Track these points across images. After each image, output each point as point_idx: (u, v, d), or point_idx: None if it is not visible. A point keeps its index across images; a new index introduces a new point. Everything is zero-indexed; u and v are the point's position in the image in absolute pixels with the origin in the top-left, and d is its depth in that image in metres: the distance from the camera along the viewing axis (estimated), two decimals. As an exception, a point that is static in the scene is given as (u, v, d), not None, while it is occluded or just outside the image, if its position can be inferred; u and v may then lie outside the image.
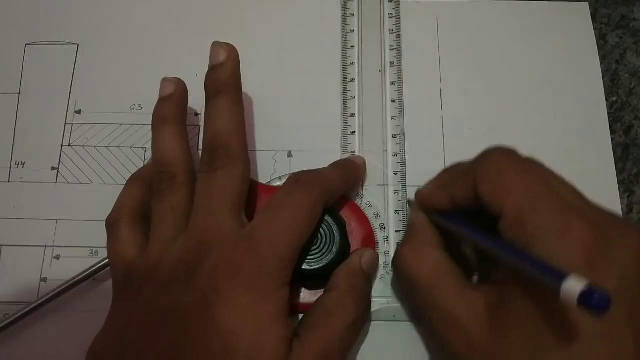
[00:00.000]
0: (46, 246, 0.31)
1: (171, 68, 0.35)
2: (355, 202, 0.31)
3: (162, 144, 0.28)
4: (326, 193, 0.27)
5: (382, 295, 0.30)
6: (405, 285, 0.27)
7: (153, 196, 0.28)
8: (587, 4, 0.36)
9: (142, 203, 0.28)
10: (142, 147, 0.33)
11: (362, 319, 0.27)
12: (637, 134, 0.34)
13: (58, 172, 0.33)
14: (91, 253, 0.31)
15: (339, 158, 0.32)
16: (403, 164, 0.32)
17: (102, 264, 0.29)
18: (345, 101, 0.34)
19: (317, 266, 0.27)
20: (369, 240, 0.30)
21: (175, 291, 0.24)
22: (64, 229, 0.31)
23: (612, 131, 0.34)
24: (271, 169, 0.32)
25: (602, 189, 0.32)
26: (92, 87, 0.34)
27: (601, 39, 0.36)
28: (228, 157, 0.26)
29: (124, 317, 0.25)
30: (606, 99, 0.34)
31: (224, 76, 0.28)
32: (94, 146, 0.33)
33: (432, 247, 0.26)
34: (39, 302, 0.28)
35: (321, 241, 0.28)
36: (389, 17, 0.36)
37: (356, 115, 0.34)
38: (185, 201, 0.27)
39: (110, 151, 0.33)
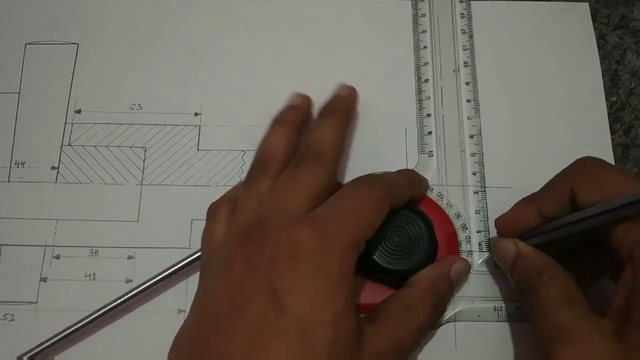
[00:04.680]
0: (46, 246, 0.31)
1: (171, 68, 0.35)
2: (437, 203, 0.31)
3: (269, 138, 0.30)
4: (391, 191, 0.27)
5: (467, 296, 0.30)
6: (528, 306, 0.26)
7: (243, 184, 0.28)
8: (587, 4, 0.36)
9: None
10: (142, 147, 0.33)
11: (434, 323, 0.28)
12: (637, 134, 0.34)
13: (58, 171, 0.33)
14: (91, 253, 0.31)
15: (416, 158, 0.33)
16: (481, 164, 0.32)
17: (189, 259, 0.29)
18: (420, 101, 0.34)
19: (406, 267, 0.28)
20: (453, 241, 0.30)
21: (240, 277, 0.23)
22: (64, 228, 0.31)
23: (612, 131, 0.33)
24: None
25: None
26: (92, 87, 0.34)
27: (601, 39, 0.36)
28: (315, 160, 0.27)
29: (199, 309, 0.25)
30: (606, 99, 0.34)
31: (340, 105, 0.31)
32: (94, 146, 0.33)
33: (553, 279, 0.25)
34: (121, 300, 0.28)
35: (409, 241, 0.28)
36: (461, 17, 0.36)
37: (432, 115, 0.34)
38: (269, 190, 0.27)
39: (110, 151, 0.33)
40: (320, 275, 0.23)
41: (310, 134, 0.29)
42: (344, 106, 0.31)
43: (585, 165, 0.26)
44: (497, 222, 0.29)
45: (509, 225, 0.28)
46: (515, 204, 0.28)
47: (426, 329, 0.26)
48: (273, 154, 0.29)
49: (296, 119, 0.31)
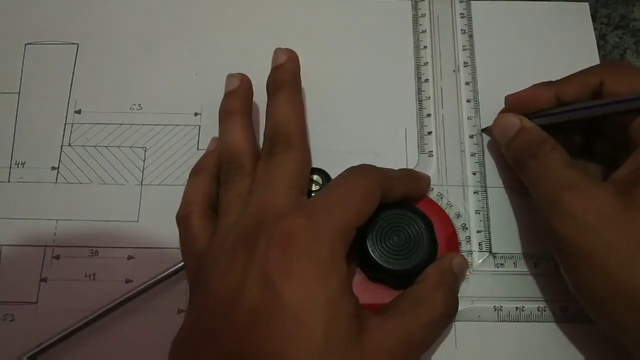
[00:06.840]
0: (46, 246, 0.31)
1: (171, 68, 0.35)
2: (437, 202, 0.31)
3: (229, 135, 0.29)
4: (384, 181, 0.27)
5: (467, 296, 0.30)
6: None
7: (221, 186, 0.28)
8: (587, 4, 0.36)
9: (210, 195, 0.29)
10: (142, 147, 0.33)
11: (448, 316, 0.27)
12: (637, 133, 0.34)
13: (58, 172, 0.33)
14: (91, 253, 0.31)
15: (416, 158, 0.33)
16: (482, 164, 0.33)
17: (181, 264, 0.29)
18: (420, 101, 0.34)
19: (406, 267, 0.28)
20: (452, 241, 0.30)
21: (237, 273, 0.24)
22: (64, 229, 0.31)
23: (612, 131, 0.34)
24: None
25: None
26: (92, 87, 0.34)
27: (601, 39, 0.36)
28: (287, 143, 0.27)
29: (196, 310, 0.25)
30: (606, 99, 0.34)
31: (284, 75, 0.30)
32: (94, 146, 0.33)
33: (555, 149, 0.27)
34: (120, 300, 0.29)
35: (409, 241, 0.28)
36: (461, 17, 0.36)
37: (432, 115, 0.34)
38: (250, 188, 0.27)
39: (110, 151, 0.33)
40: (312, 262, 0.23)
41: (269, 117, 0.29)
42: (289, 74, 0.30)
43: (619, 64, 0.28)
44: (509, 97, 0.30)
45: (520, 102, 0.29)
46: (533, 85, 0.29)
47: (438, 323, 0.26)
48: (239, 151, 0.29)
49: (242, 104, 0.30)
